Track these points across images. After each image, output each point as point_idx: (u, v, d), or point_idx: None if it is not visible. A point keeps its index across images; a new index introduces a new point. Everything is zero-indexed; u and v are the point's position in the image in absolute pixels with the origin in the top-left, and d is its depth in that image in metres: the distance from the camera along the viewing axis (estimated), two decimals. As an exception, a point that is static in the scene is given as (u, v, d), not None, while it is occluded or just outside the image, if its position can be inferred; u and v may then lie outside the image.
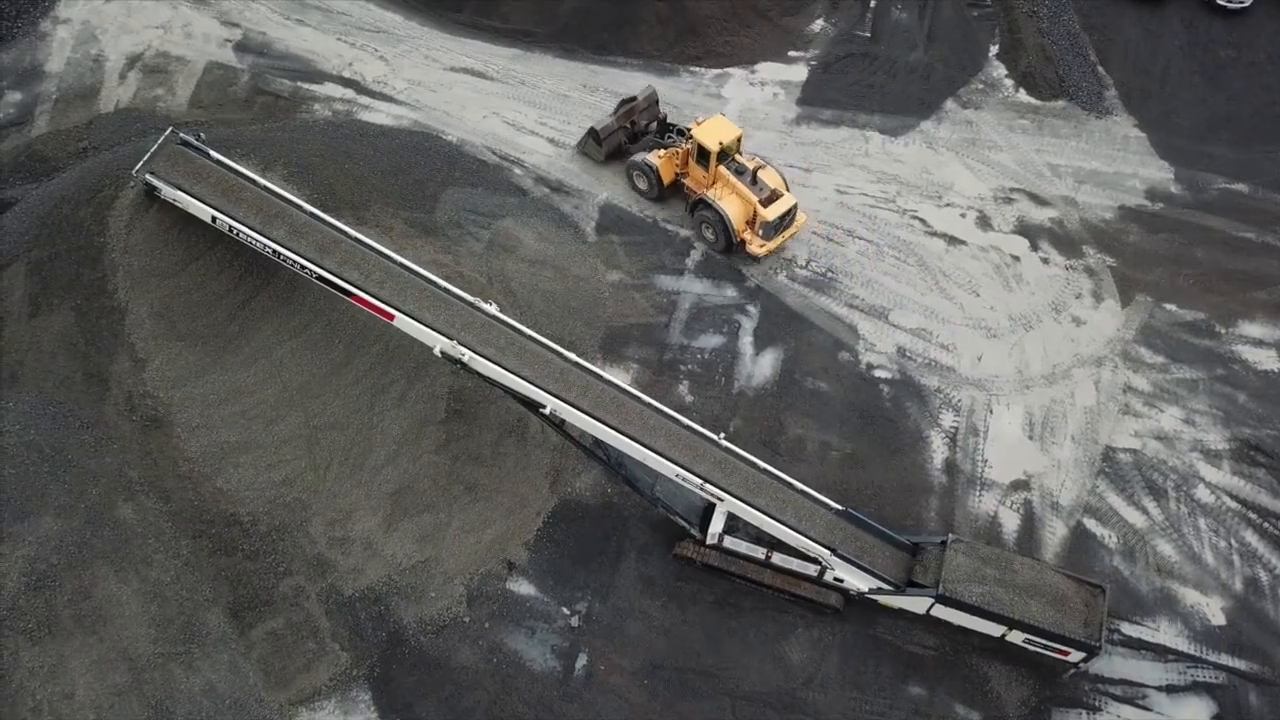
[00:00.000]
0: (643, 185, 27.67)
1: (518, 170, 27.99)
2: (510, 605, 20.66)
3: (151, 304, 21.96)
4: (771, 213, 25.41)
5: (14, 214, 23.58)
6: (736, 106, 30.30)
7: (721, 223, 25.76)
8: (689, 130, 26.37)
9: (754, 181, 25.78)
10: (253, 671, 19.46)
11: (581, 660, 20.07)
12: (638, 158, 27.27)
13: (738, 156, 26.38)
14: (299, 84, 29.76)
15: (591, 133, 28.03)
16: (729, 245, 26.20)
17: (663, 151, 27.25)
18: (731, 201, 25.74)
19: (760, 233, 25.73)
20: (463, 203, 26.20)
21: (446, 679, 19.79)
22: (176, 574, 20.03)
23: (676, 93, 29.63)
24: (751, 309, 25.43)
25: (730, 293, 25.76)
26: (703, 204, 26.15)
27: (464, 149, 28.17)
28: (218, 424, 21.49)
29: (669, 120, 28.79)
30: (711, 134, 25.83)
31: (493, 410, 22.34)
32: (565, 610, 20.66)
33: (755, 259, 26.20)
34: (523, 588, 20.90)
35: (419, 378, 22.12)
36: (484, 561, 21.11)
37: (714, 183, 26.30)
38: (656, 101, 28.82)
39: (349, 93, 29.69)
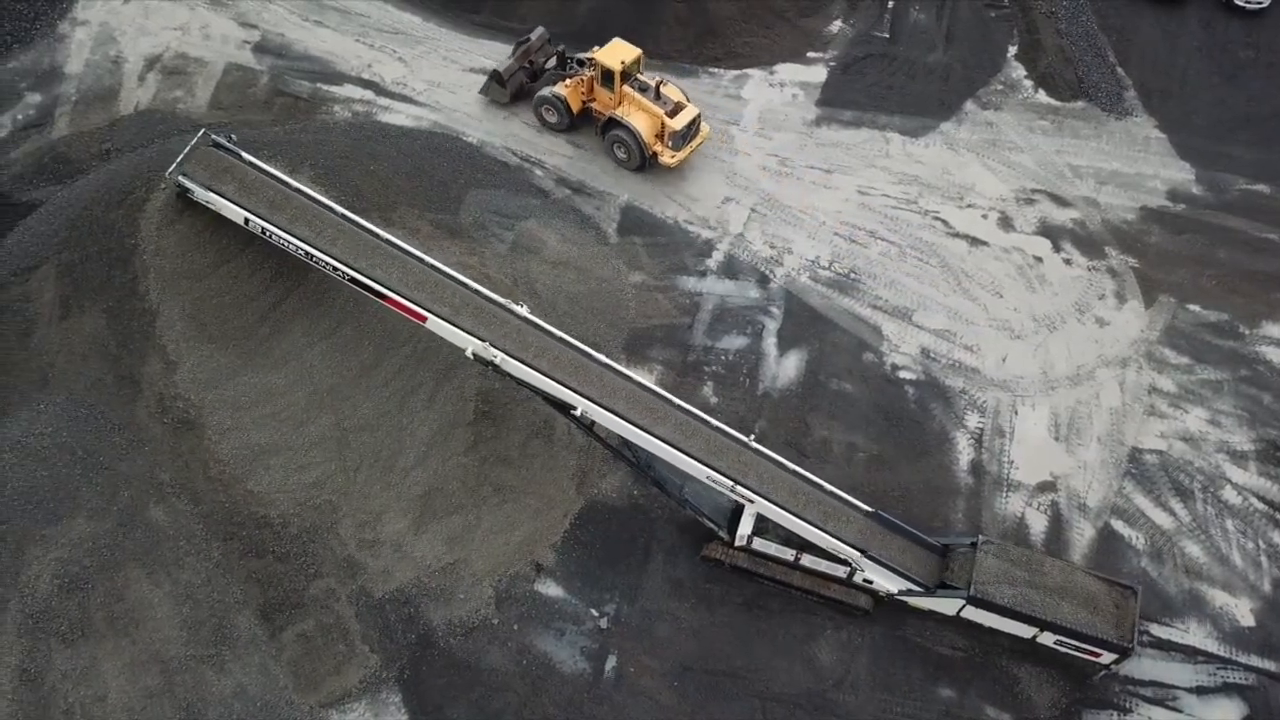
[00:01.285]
0: (552, 118, 28.66)
1: (539, 171, 28.01)
2: (539, 607, 20.69)
3: (183, 306, 22.01)
4: (678, 122, 26.76)
5: (41, 216, 23.51)
6: (756, 108, 30.29)
7: (633, 138, 26.90)
8: (590, 57, 27.46)
9: (658, 96, 27.08)
10: (283, 674, 19.49)
11: (611, 662, 20.10)
12: (544, 91, 28.30)
13: (639, 75, 27.51)
14: (318, 85, 29.75)
15: (494, 75, 28.99)
16: (643, 161, 27.38)
17: (568, 81, 28.18)
18: (640, 117, 26.99)
19: (670, 144, 26.96)
20: (486, 204, 26.22)
21: (476, 681, 19.81)
22: (207, 576, 20.08)
23: (696, 93, 29.55)
24: (775, 310, 25.43)
25: (753, 294, 25.76)
26: (613, 123, 27.37)
27: (485, 150, 28.19)
28: (248, 426, 21.52)
29: (567, 53, 29.47)
30: (613, 55, 27.05)
31: (520, 412, 22.36)
32: (594, 612, 20.68)
33: (669, 168, 27.43)
34: (551, 589, 20.93)
35: (447, 379, 22.14)
36: (512, 563, 21.13)
37: (620, 102, 27.36)
38: (550, 40, 29.99)
39: (368, 94, 29.68)
